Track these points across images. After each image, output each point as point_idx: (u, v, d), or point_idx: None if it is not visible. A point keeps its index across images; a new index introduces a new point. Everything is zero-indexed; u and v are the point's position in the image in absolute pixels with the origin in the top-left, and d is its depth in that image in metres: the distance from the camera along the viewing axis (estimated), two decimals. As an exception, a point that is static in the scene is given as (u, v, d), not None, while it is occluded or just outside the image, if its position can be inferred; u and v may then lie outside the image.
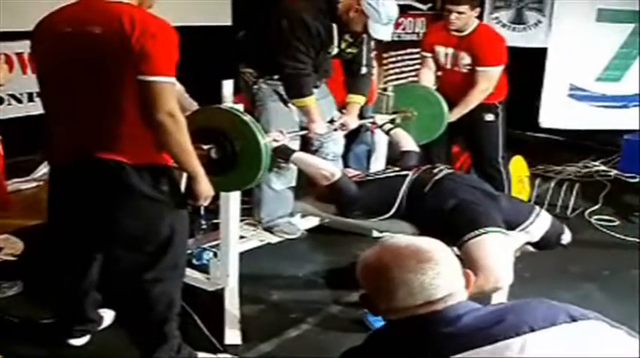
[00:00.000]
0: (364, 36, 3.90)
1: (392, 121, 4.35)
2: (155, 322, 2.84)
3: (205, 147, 3.02)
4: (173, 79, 2.51)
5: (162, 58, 2.47)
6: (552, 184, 5.50)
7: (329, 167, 3.54)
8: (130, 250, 2.74)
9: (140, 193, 2.60)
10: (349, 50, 3.98)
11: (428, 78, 4.90)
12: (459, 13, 4.53)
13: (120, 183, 2.58)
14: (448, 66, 4.78)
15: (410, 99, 4.53)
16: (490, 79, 4.67)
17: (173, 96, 2.51)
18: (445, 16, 4.64)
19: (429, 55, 4.88)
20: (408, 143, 4.05)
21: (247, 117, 3.08)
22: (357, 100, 4.10)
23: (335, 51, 3.89)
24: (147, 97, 2.47)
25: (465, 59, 4.67)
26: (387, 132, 4.28)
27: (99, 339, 3.23)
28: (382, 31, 3.74)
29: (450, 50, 4.73)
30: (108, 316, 3.32)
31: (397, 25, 7.47)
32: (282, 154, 3.58)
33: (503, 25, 7.27)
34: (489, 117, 4.79)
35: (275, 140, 3.49)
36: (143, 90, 2.47)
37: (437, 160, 4.57)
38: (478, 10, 4.72)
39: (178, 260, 2.82)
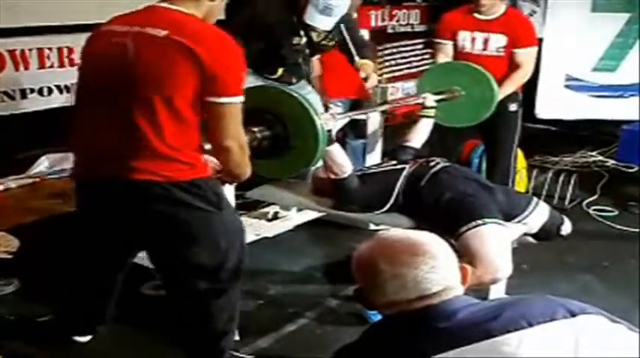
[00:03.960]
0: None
1: (438, 102, 4.17)
2: (215, 336, 2.80)
3: (256, 129, 2.92)
4: (242, 98, 2.48)
5: (232, 77, 2.43)
6: (549, 175, 5.47)
7: (347, 165, 3.47)
8: (186, 266, 2.66)
9: (188, 208, 2.52)
10: (324, 42, 3.93)
11: None
12: None
13: (167, 201, 2.50)
14: (475, 51, 4.65)
15: (456, 77, 4.42)
16: (533, 58, 4.65)
17: (240, 118, 2.49)
18: (474, 0, 4.55)
19: (447, 42, 4.74)
20: (419, 139, 3.96)
21: (300, 97, 2.97)
22: (365, 62, 4.20)
23: (303, 41, 3.84)
24: (215, 119, 2.45)
25: (500, 41, 4.57)
26: (421, 116, 4.09)
27: (106, 339, 3.19)
28: (319, 20, 3.65)
29: (478, 34, 4.61)
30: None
31: (392, 16, 7.46)
32: None
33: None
34: (513, 107, 4.70)
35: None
36: (212, 111, 2.44)
37: (450, 150, 4.53)
38: None
39: (237, 270, 2.75)
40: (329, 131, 3.30)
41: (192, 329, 2.84)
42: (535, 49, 4.68)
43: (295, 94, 2.97)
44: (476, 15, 4.59)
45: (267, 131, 2.95)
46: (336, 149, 3.44)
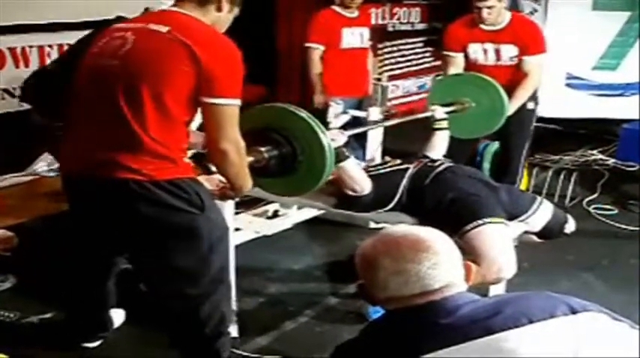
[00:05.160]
0: None
1: (448, 113, 4.08)
2: (207, 339, 2.78)
3: (263, 149, 2.90)
4: (239, 102, 2.48)
5: (230, 79, 2.44)
6: (550, 174, 5.48)
7: (365, 181, 3.36)
8: (167, 269, 2.65)
9: (168, 209, 2.50)
10: None
11: None
12: (489, 7, 4.41)
13: (147, 201, 2.48)
14: (488, 62, 4.63)
15: (464, 88, 4.33)
16: (542, 66, 4.64)
17: (237, 122, 2.49)
18: (475, 13, 4.50)
19: (457, 54, 4.71)
20: (437, 152, 3.86)
21: (304, 114, 2.93)
22: None
23: None
24: (212, 121, 2.45)
25: (511, 51, 4.56)
26: (434, 129, 3.98)
27: (109, 340, 3.19)
28: None
29: (490, 45, 4.59)
30: (118, 316, 3.27)
31: (392, 15, 7.46)
32: (335, 157, 3.17)
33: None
34: (531, 105, 4.70)
35: (332, 139, 3.14)
36: (208, 112, 2.45)
37: (461, 152, 4.47)
38: (506, 2, 4.58)
39: (220, 274, 2.73)
40: (339, 147, 3.24)
41: (183, 334, 2.82)
42: (544, 55, 4.64)
43: (301, 113, 2.94)
44: (482, 26, 4.55)
45: (275, 150, 2.92)
46: (351, 165, 3.32)
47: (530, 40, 4.57)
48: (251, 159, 2.80)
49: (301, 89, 6.33)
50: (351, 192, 3.35)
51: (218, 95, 2.42)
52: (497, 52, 4.59)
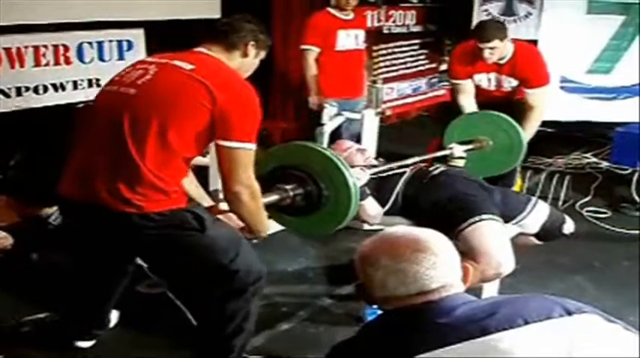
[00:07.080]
0: None
1: (467, 151, 4.14)
2: (228, 335, 2.79)
3: (288, 187, 2.92)
4: (253, 146, 2.52)
5: (245, 123, 2.48)
6: (543, 176, 5.50)
7: (378, 216, 3.43)
8: (187, 277, 2.71)
9: (164, 237, 2.52)
10: None
11: (470, 102, 4.78)
12: (491, 48, 4.45)
13: (138, 233, 2.50)
14: (491, 88, 4.74)
15: (481, 127, 4.33)
16: (545, 97, 4.69)
17: (251, 166, 2.52)
18: (477, 49, 4.51)
19: (466, 82, 4.78)
20: None
21: (328, 152, 2.95)
22: None
23: None
24: (225, 164, 2.49)
25: (512, 82, 4.65)
26: (450, 166, 3.96)
27: (103, 340, 3.18)
28: None
29: (493, 75, 4.68)
30: (113, 317, 3.25)
31: (388, 17, 7.47)
32: None
33: (493, 17, 7.23)
34: None
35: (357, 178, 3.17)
36: (222, 155, 2.49)
37: None
38: (508, 38, 4.59)
39: (248, 274, 2.72)
40: (362, 188, 3.26)
41: (207, 329, 2.84)
42: (548, 87, 4.71)
43: (327, 152, 2.96)
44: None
45: (300, 188, 2.94)
46: (370, 203, 3.39)
47: (532, 74, 4.64)
48: (276, 197, 2.86)
49: (297, 95, 6.32)
50: (360, 221, 3.45)
51: (232, 138, 2.46)
52: (499, 81, 4.69)
